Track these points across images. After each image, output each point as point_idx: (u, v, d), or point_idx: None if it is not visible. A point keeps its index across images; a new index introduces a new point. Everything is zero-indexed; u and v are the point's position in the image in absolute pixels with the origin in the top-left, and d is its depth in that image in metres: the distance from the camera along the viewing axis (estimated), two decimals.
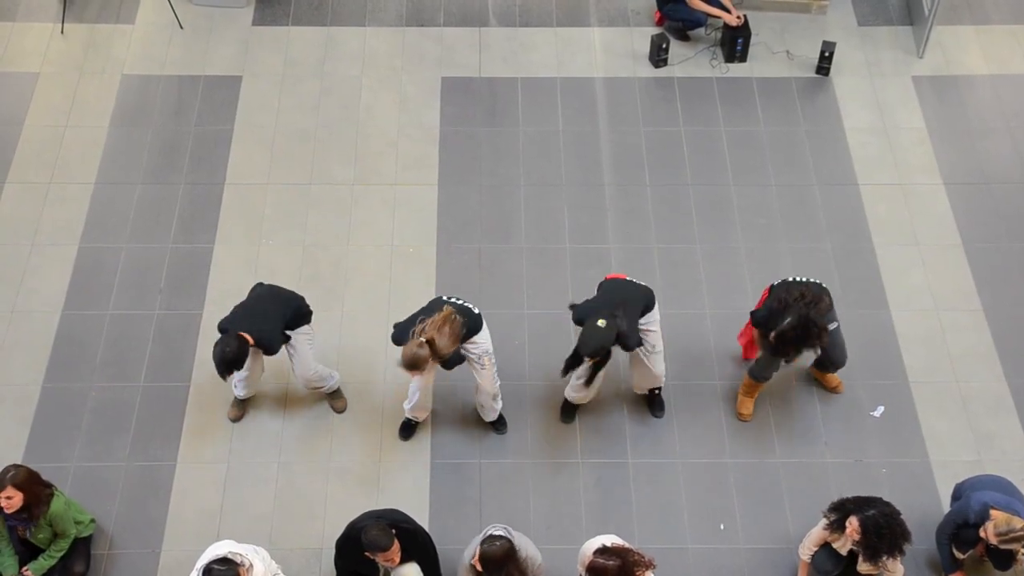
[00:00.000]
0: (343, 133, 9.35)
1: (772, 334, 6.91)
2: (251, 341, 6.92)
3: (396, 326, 6.94)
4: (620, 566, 5.88)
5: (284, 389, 7.90)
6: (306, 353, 7.35)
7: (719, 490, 7.51)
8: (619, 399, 7.88)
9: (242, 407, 7.75)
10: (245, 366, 7.36)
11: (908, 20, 10.26)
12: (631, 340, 6.92)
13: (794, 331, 6.83)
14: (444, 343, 6.62)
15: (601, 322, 6.72)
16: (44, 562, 6.78)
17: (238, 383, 7.56)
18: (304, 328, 7.28)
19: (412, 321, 6.79)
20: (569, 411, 7.77)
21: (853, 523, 6.39)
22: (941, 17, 9.95)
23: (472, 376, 7.36)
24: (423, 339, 6.58)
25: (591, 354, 6.81)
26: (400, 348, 6.77)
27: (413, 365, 6.61)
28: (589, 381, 7.21)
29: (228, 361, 6.82)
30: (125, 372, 7.97)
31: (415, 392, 7.34)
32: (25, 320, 8.21)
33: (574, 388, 7.55)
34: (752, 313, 7.27)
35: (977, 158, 9.24)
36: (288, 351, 7.34)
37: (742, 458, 7.64)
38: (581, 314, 6.94)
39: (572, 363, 7.05)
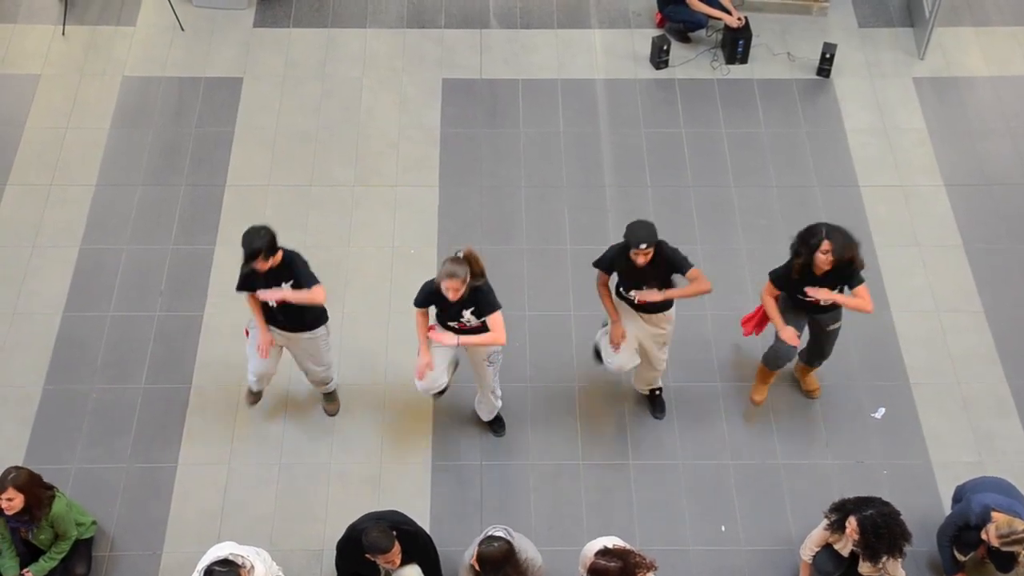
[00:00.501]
0: (344, 134, 9.35)
1: (821, 244, 6.80)
2: (279, 255, 6.78)
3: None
4: (621, 568, 5.88)
5: (285, 391, 7.90)
6: (321, 352, 7.34)
7: (720, 491, 7.51)
8: (620, 400, 7.88)
9: (257, 395, 7.73)
10: (262, 364, 7.28)
11: (909, 22, 10.27)
12: (680, 257, 6.88)
13: (837, 233, 6.79)
14: (478, 266, 6.62)
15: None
16: (45, 563, 6.78)
17: (252, 375, 7.53)
18: (321, 331, 7.27)
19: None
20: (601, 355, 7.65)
21: (852, 523, 6.39)
22: (942, 19, 9.95)
23: (471, 377, 7.37)
24: (461, 254, 6.57)
25: (643, 240, 6.67)
26: (415, 308, 6.89)
27: (452, 274, 6.53)
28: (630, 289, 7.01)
29: (254, 249, 6.62)
30: (126, 374, 7.97)
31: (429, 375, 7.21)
32: (26, 322, 8.21)
33: (610, 354, 7.35)
34: (771, 272, 7.22)
35: (978, 159, 9.24)
36: (300, 354, 7.36)
37: (743, 459, 7.64)
38: (610, 249, 6.97)
39: (629, 281, 6.95)
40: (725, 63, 9.92)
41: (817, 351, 7.62)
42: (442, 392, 7.50)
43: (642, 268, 6.83)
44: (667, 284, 6.96)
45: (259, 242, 6.65)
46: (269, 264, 6.75)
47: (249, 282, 6.94)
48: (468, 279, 6.60)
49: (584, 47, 10.05)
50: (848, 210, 8.88)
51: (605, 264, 7.04)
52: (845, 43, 10.03)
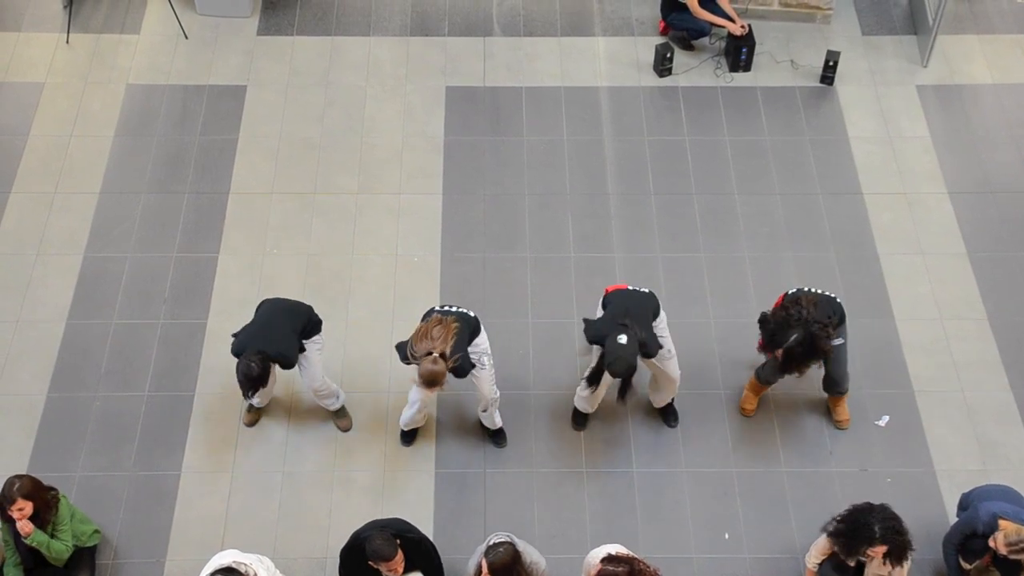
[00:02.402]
0: (347, 142, 9.36)
1: (779, 351, 6.92)
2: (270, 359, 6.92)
3: (397, 346, 6.94)
4: (628, 571, 5.87)
5: (290, 399, 7.90)
6: (316, 362, 7.34)
7: (724, 499, 7.50)
8: (624, 408, 7.86)
9: (257, 412, 7.76)
10: None
11: (912, 29, 10.27)
12: (651, 346, 6.93)
13: (800, 347, 6.84)
14: (449, 348, 6.65)
15: (622, 338, 6.72)
16: (46, 538, 6.68)
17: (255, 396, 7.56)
18: (315, 338, 7.28)
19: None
20: (580, 418, 7.77)
21: (876, 549, 6.32)
22: (945, 27, 9.96)
23: (471, 384, 7.36)
24: (436, 354, 6.60)
25: (624, 375, 6.80)
26: (409, 366, 6.85)
27: (432, 382, 6.63)
28: (622, 394, 7.11)
29: (253, 379, 6.80)
30: (130, 382, 7.97)
31: (415, 402, 7.32)
32: (30, 330, 8.22)
33: (582, 398, 7.56)
34: (760, 322, 7.23)
35: (981, 167, 9.24)
36: (299, 361, 7.34)
37: (747, 467, 7.63)
38: (595, 333, 6.96)
39: (596, 376, 7.09)
40: (728, 71, 9.92)
41: (829, 377, 7.52)
42: (412, 439, 7.71)
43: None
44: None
45: (253, 372, 6.82)
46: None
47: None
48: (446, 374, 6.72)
49: (587, 55, 10.06)
50: (851, 218, 8.88)
51: (592, 339, 7.09)
52: (849, 51, 10.03)
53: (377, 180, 9.12)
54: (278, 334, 7.01)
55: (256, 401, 7.63)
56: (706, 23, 9.76)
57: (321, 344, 7.37)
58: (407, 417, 7.45)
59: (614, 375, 6.83)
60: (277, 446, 7.70)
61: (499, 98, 9.72)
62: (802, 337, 6.81)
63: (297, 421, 7.82)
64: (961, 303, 8.42)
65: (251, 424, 7.76)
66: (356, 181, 9.11)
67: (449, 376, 6.92)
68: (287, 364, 7.04)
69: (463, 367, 6.83)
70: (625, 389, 7.04)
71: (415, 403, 7.32)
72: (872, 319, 8.30)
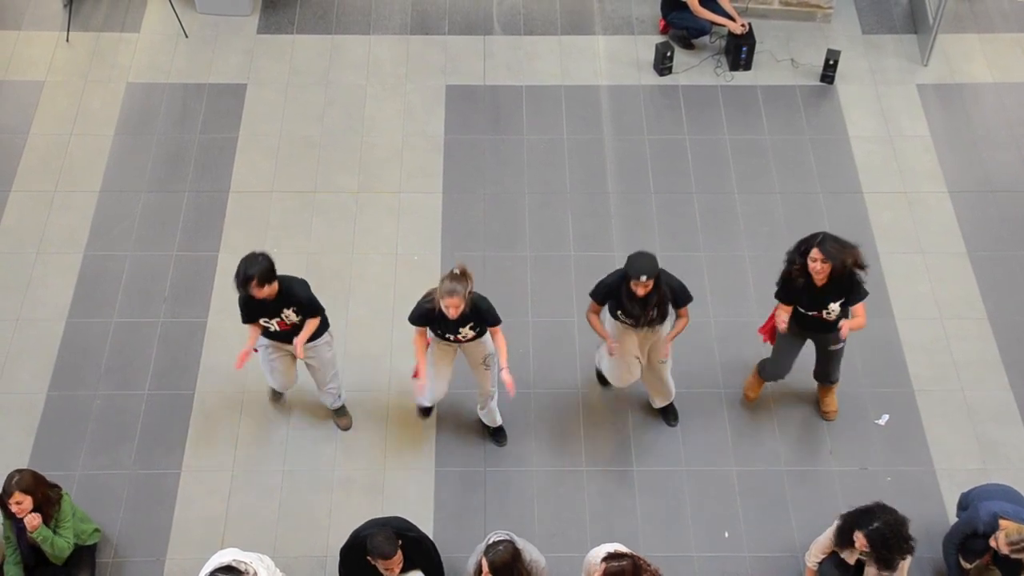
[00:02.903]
0: (347, 141, 9.36)
1: (811, 252, 6.78)
2: (276, 285, 6.80)
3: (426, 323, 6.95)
4: (632, 566, 5.88)
5: (290, 398, 7.90)
6: (328, 359, 7.34)
7: (724, 498, 7.50)
8: (623, 406, 7.87)
9: (279, 395, 7.79)
10: (279, 370, 7.32)
11: (912, 28, 10.27)
12: (680, 293, 6.94)
13: (832, 243, 6.75)
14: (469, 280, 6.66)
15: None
16: (50, 533, 6.68)
17: (274, 384, 7.56)
18: (325, 337, 7.28)
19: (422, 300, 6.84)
20: (604, 378, 7.76)
21: (860, 539, 6.36)
22: (945, 26, 9.96)
23: (472, 383, 7.36)
24: (457, 271, 6.60)
25: (647, 271, 6.66)
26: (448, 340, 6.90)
27: (452, 292, 6.56)
28: (642, 320, 6.97)
29: (250, 276, 6.66)
30: (130, 380, 7.97)
31: (430, 377, 7.26)
32: (30, 328, 8.22)
33: (606, 358, 7.45)
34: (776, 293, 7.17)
35: (982, 166, 9.24)
36: (308, 363, 7.34)
37: (747, 466, 7.63)
38: (605, 285, 6.95)
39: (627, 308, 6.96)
40: (729, 69, 9.92)
41: (823, 371, 7.59)
42: (429, 411, 7.70)
43: (642, 298, 6.84)
44: (665, 313, 7.03)
45: (253, 268, 6.69)
46: (265, 293, 6.78)
47: (253, 313, 6.97)
48: (468, 294, 6.65)
49: (588, 53, 10.06)
50: (851, 217, 8.88)
51: (600, 296, 7.03)
52: (849, 50, 10.03)
53: (377, 179, 9.12)
54: (291, 279, 6.99)
55: (277, 385, 7.55)
56: (706, 22, 9.77)
57: (331, 341, 7.36)
58: (426, 391, 7.35)
59: (637, 272, 6.66)
60: (277, 445, 7.70)
61: (499, 97, 9.72)
62: (828, 235, 6.80)
63: (297, 421, 7.82)
64: (961, 302, 8.42)
65: (275, 401, 7.80)
66: (356, 180, 9.11)
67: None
68: (291, 295, 6.90)
69: (486, 313, 6.82)
70: (647, 304, 6.89)
71: (430, 378, 7.23)
72: (872, 318, 8.27)
